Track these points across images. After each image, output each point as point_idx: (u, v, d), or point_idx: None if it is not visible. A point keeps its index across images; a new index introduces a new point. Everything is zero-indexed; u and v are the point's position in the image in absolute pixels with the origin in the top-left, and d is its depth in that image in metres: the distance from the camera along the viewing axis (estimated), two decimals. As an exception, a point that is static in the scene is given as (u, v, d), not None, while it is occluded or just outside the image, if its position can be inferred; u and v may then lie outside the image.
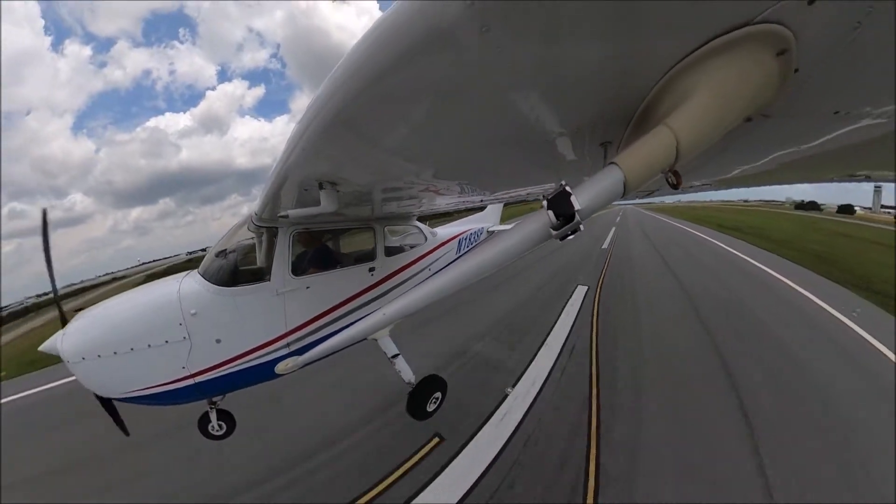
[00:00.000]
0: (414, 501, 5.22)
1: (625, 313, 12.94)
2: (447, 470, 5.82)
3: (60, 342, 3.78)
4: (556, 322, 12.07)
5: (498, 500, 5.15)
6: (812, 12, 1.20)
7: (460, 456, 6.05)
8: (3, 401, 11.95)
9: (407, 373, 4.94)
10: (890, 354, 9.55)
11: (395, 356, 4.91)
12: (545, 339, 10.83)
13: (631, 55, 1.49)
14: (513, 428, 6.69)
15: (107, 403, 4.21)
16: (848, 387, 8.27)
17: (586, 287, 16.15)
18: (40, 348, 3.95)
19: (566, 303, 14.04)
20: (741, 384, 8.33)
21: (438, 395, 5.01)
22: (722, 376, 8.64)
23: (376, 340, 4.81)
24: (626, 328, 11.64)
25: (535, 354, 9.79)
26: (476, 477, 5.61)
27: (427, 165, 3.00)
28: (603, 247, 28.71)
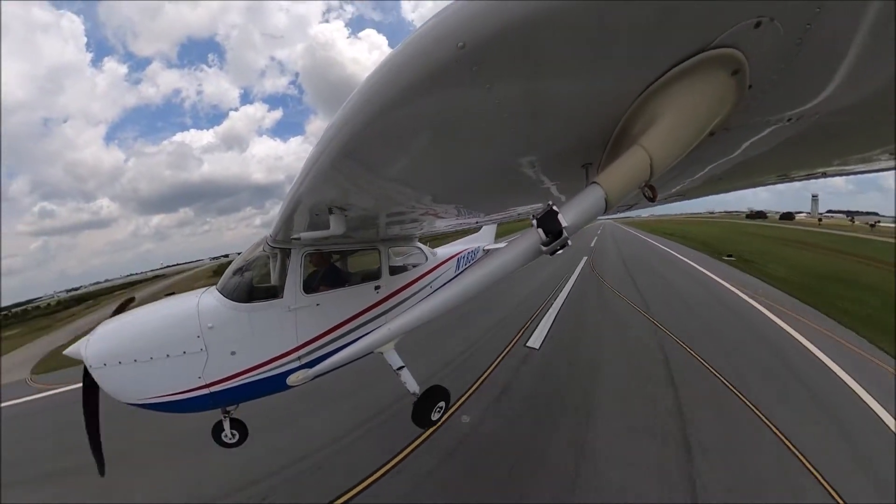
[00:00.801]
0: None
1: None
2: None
3: (85, 348, 3.83)
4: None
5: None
6: (758, 34, 1.28)
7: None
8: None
9: (412, 384, 4.91)
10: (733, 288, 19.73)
11: (400, 368, 4.90)
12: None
13: (604, 86, 1.57)
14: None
15: (94, 438, 4.23)
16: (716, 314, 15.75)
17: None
18: (65, 352, 4.00)
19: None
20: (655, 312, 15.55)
21: (442, 404, 4.97)
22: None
23: (382, 354, 4.82)
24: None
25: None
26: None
27: (426, 192, 3.06)
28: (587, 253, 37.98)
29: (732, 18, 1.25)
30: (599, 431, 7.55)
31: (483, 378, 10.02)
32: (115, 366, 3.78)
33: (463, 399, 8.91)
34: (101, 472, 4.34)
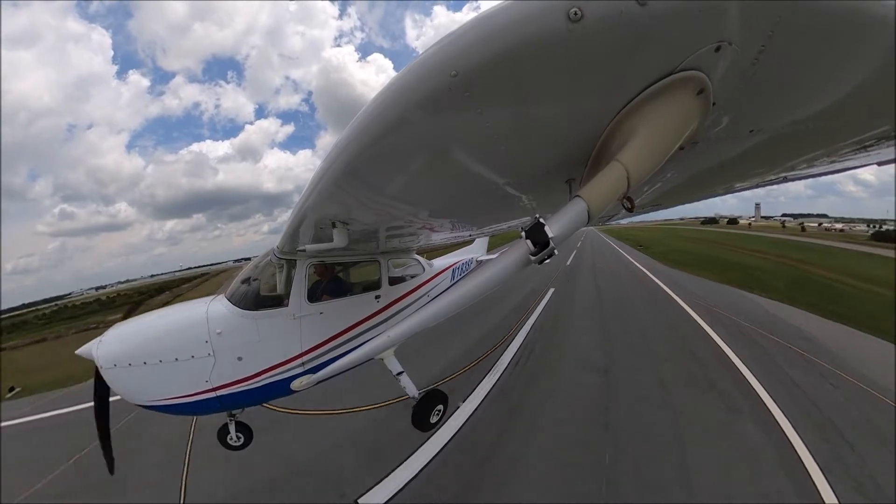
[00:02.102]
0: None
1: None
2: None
3: (96, 349, 3.77)
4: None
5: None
6: (719, 57, 1.33)
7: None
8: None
9: (411, 388, 4.87)
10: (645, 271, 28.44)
11: (399, 373, 4.86)
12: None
13: (584, 108, 1.62)
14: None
15: (104, 437, 4.15)
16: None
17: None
18: (77, 352, 3.92)
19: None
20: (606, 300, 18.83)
21: (441, 407, 4.92)
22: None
23: (383, 360, 4.78)
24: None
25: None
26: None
27: (423, 208, 3.10)
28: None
29: (695, 43, 1.30)
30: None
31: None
32: (126, 367, 3.72)
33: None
34: (111, 470, 4.25)
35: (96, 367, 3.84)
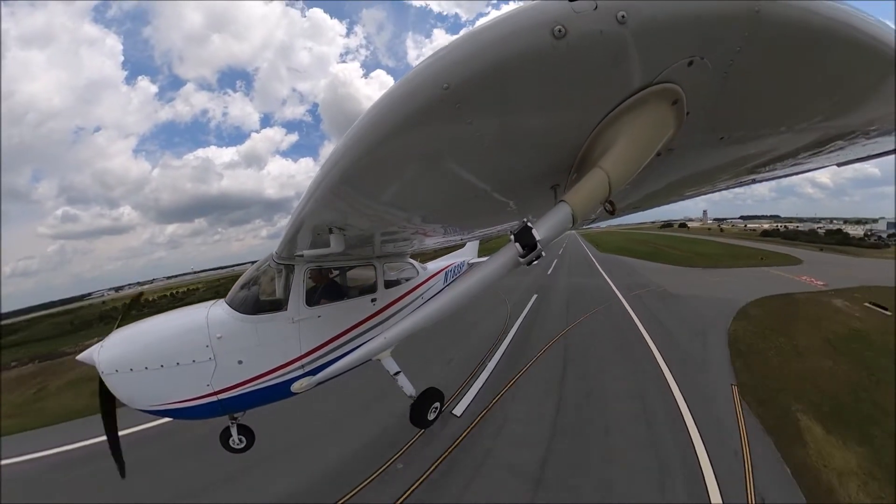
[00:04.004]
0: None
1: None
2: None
3: (97, 354, 3.63)
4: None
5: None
6: (691, 71, 1.36)
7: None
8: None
9: (408, 387, 4.80)
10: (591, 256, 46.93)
11: (396, 373, 4.79)
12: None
13: (568, 118, 1.62)
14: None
15: (113, 442, 3.99)
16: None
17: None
18: (77, 357, 3.78)
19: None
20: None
21: (437, 404, 4.87)
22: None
23: (380, 361, 4.71)
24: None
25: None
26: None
27: (417, 214, 3.07)
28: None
29: (670, 59, 1.32)
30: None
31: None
32: (127, 373, 3.59)
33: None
34: (122, 474, 4.08)
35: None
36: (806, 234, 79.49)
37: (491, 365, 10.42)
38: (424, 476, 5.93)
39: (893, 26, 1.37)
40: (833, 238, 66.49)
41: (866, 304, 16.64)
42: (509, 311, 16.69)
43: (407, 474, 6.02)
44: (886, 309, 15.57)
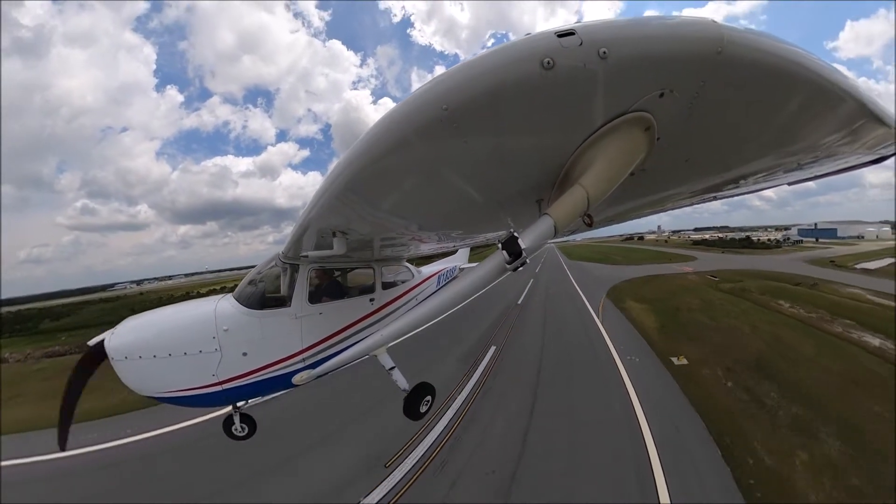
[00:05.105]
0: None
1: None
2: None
3: (108, 340, 3.56)
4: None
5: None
6: (662, 101, 1.44)
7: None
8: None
9: (402, 381, 4.78)
10: (562, 260, 73.66)
11: (391, 368, 4.78)
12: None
13: (552, 141, 1.69)
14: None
15: (66, 416, 3.75)
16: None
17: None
18: (88, 343, 3.68)
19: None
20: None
21: (429, 398, 4.84)
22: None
23: (376, 356, 4.70)
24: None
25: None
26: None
27: (414, 222, 3.11)
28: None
29: (644, 90, 1.40)
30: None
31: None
32: (136, 360, 3.53)
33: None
34: (63, 447, 3.84)
35: (84, 356, 3.62)
36: (725, 241, 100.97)
37: (530, 285, 35.25)
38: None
39: (837, 65, 1.48)
40: (740, 243, 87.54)
41: (706, 276, 36.00)
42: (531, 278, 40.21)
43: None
44: (716, 276, 35.06)
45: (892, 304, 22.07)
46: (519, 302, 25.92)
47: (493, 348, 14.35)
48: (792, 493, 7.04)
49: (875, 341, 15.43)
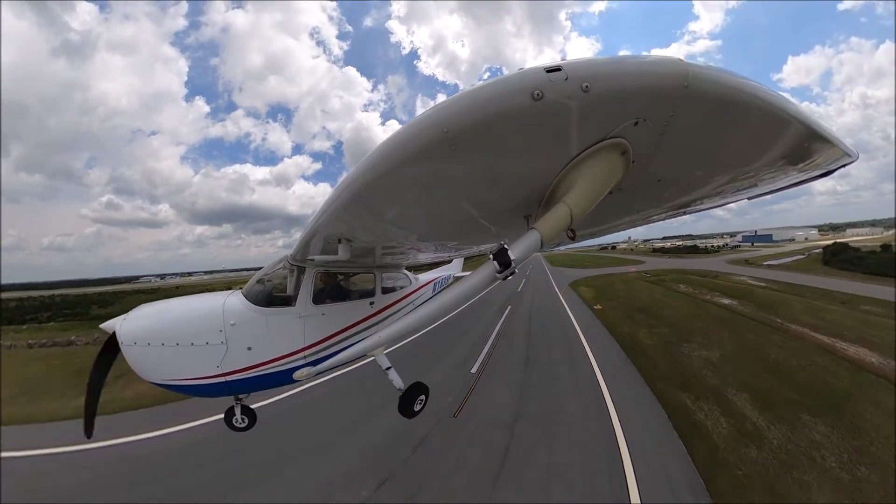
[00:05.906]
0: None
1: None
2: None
3: (120, 325, 3.53)
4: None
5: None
6: (636, 129, 1.54)
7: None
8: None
9: (397, 381, 4.76)
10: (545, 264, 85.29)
11: (388, 368, 4.76)
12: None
13: (540, 162, 1.79)
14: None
15: (91, 403, 3.71)
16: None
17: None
18: (101, 325, 3.64)
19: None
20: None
21: (423, 397, 4.82)
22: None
23: (374, 357, 4.70)
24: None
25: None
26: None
27: (413, 232, 3.18)
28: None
29: (620, 120, 1.51)
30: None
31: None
32: (145, 346, 3.49)
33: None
34: (89, 434, 3.79)
35: (107, 340, 3.59)
36: (677, 248, 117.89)
37: (523, 281, 43.23)
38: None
39: (784, 93, 1.64)
40: (688, 249, 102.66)
41: (642, 273, 45.32)
42: (523, 278, 46.22)
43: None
44: (648, 273, 44.52)
45: (750, 280, 34.11)
46: (518, 290, 37.00)
47: (509, 307, 25.77)
48: (635, 338, 15.83)
49: (725, 301, 23.85)
